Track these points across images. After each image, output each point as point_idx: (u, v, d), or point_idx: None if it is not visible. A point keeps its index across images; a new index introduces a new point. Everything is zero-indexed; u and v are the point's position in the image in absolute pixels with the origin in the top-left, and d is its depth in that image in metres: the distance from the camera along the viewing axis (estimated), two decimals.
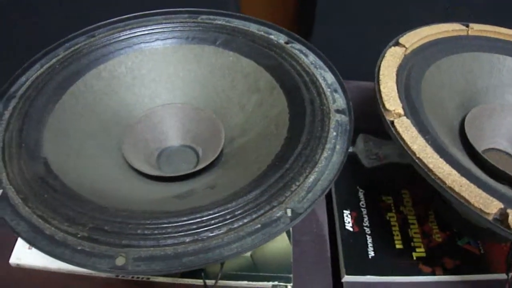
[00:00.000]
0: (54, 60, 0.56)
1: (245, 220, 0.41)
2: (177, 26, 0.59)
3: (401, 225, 0.59)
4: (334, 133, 0.48)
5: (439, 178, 0.45)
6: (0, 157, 0.47)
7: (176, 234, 0.41)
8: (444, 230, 0.59)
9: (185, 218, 0.41)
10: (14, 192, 0.44)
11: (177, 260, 0.39)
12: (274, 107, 0.53)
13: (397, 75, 0.54)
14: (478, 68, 0.60)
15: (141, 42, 0.58)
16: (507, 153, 0.60)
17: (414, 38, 0.58)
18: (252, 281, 0.53)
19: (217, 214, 0.42)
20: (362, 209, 0.60)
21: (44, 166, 0.46)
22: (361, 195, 0.61)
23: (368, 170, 0.64)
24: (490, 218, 0.44)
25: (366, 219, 0.59)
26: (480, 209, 0.44)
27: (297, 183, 0.44)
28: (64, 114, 0.52)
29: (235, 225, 0.41)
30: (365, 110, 0.65)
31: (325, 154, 0.47)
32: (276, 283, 0.54)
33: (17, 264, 0.55)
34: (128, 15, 0.60)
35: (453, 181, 0.45)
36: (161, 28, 0.59)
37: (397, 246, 0.57)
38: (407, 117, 0.50)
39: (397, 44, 0.58)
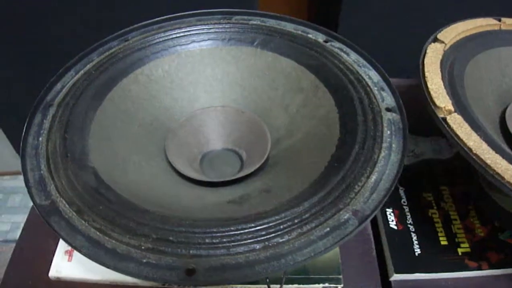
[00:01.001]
0: (89, 66, 0.54)
1: (314, 224, 0.40)
2: (212, 28, 0.57)
3: (444, 221, 0.59)
4: (388, 132, 0.48)
5: (497, 173, 0.45)
6: (45, 168, 0.45)
7: (245, 241, 0.39)
8: (486, 225, 0.59)
9: (253, 225, 0.40)
10: (66, 204, 0.42)
11: (250, 268, 0.38)
12: (321, 107, 0.52)
13: (441, 71, 0.53)
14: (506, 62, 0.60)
15: (176, 45, 0.56)
16: None
17: (451, 34, 0.58)
18: (303, 284, 0.52)
19: (285, 219, 0.40)
20: (404, 207, 0.59)
21: (94, 176, 0.44)
22: (401, 192, 0.61)
23: (406, 167, 0.63)
24: None
25: (409, 216, 0.58)
26: None
27: (360, 184, 0.43)
28: (106, 120, 0.50)
29: (305, 229, 0.40)
30: None
31: (382, 154, 0.46)
32: (326, 285, 0.53)
33: (57, 277, 0.53)
34: (160, 18, 0.58)
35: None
36: (196, 30, 0.57)
37: (442, 243, 0.57)
38: (458, 113, 0.49)
39: (436, 40, 0.57)
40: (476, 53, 0.58)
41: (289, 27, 0.59)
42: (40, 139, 0.47)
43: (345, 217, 0.41)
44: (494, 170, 0.45)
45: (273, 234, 0.40)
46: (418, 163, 0.62)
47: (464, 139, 0.47)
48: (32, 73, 0.87)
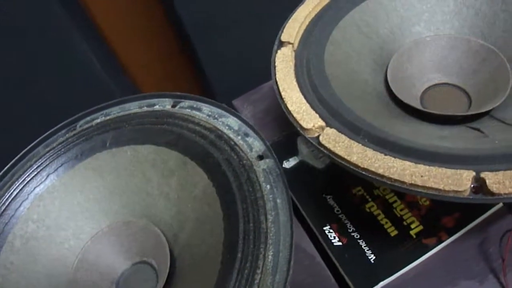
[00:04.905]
0: None
1: None
2: (61, 149, 0.48)
3: (384, 209, 0.50)
4: (268, 186, 0.39)
5: (396, 179, 0.36)
6: None
7: None
8: None
9: None
10: None
11: None
12: (197, 184, 0.43)
13: (297, 80, 0.43)
14: (373, 16, 0.50)
15: (34, 187, 0.47)
16: (445, 83, 0.50)
17: (294, 28, 0.47)
18: None
19: None
20: (340, 216, 0.51)
21: None
22: (331, 201, 0.52)
23: (323, 171, 0.54)
24: (468, 194, 0.35)
25: (348, 224, 0.50)
26: (454, 191, 0.34)
27: (258, 271, 0.35)
28: None
29: None
30: None
31: (270, 218, 0.37)
32: None
33: None
34: (11, 162, 0.49)
35: (412, 174, 0.36)
36: (46, 160, 0.48)
37: (392, 234, 0.48)
38: (330, 126, 0.40)
39: (281, 44, 0.47)
40: (329, 33, 0.47)
41: (134, 107, 0.49)
42: None
43: None
44: (391, 178, 0.36)
45: None
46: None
47: (345, 156, 0.38)
48: None
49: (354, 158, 0.37)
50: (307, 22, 0.49)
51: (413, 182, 0.35)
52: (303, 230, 0.52)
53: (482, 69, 0.48)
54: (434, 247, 0.47)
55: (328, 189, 0.52)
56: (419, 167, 0.36)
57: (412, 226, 0.48)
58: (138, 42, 0.80)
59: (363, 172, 0.37)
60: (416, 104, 0.48)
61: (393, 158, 0.37)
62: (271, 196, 0.38)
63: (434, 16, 0.50)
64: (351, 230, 0.49)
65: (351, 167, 0.37)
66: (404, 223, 0.49)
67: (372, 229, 0.49)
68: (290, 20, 0.48)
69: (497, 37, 0.48)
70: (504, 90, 0.45)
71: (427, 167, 0.36)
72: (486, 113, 0.45)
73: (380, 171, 0.36)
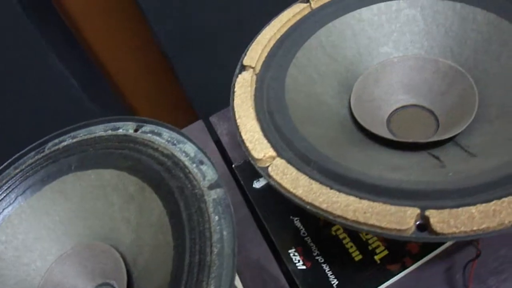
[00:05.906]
0: None
1: None
2: (29, 171, 0.48)
3: (350, 233, 0.49)
4: (216, 218, 0.38)
5: (338, 215, 0.35)
6: None
7: None
8: None
9: None
10: None
11: None
12: (153, 211, 0.43)
13: (256, 106, 0.43)
14: (340, 37, 0.48)
15: (3, 209, 0.48)
16: (413, 105, 0.49)
17: (257, 51, 0.46)
18: None
19: None
20: (306, 239, 0.50)
21: None
22: (298, 223, 0.51)
23: None
24: (411, 232, 0.33)
25: (313, 247, 0.49)
26: (396, 229, 0.33)
27: None
28: None
29: None
30: None
31: (215, 251, 0.37)
32: None
33: None
34: None
35: (355, 211, 0.35)
36: (15, 182, 0.48)
37: (357, 259, 0.47)
38: (282, 156, 0.39)
39: (243, 68, 0.46)
40: (293, 54, 0.46)
41: (99, 130, 0.49)
42: None
43: None
44: (334, 213, 0.35)
45: None
46: None
47: (291, 189, 0.37)
48: None
49: (299, 192, 0.36)
50: (271, 44, 0.48)
51: (355, 219, 0.34)
52: (270, 251, 0.51)
53: (450, 91, 0.46)
54: (398, 273, 0.46)
55: (295, 211, 0.52)
56: (363, 203, 0.35)
57: (377, 251, 0.47)
58: (126, 57, 0.80)
59: (308, 206, 0.36)
60: (382, 127, 0.47)
61: (338, 193, 0.36)
62: (218, 227, 0.38)
63: (403, 36, 0.49)
64: (315, 254, 0.49)
65: (297, 200, 0.37)
66: (369, 247, 0.48)
67: (336, 253, 0.48)
68: (254, 43, 0.47)
69: (467, 57, 0.46)
70: (469, 114, 0.43)
71: (371, 203, 0.34)
72: (451, 139, 0.44)
73: (324, 206, 0.35)
